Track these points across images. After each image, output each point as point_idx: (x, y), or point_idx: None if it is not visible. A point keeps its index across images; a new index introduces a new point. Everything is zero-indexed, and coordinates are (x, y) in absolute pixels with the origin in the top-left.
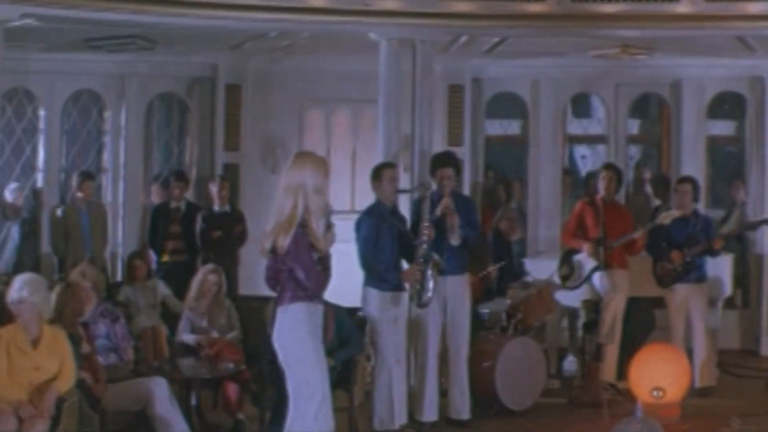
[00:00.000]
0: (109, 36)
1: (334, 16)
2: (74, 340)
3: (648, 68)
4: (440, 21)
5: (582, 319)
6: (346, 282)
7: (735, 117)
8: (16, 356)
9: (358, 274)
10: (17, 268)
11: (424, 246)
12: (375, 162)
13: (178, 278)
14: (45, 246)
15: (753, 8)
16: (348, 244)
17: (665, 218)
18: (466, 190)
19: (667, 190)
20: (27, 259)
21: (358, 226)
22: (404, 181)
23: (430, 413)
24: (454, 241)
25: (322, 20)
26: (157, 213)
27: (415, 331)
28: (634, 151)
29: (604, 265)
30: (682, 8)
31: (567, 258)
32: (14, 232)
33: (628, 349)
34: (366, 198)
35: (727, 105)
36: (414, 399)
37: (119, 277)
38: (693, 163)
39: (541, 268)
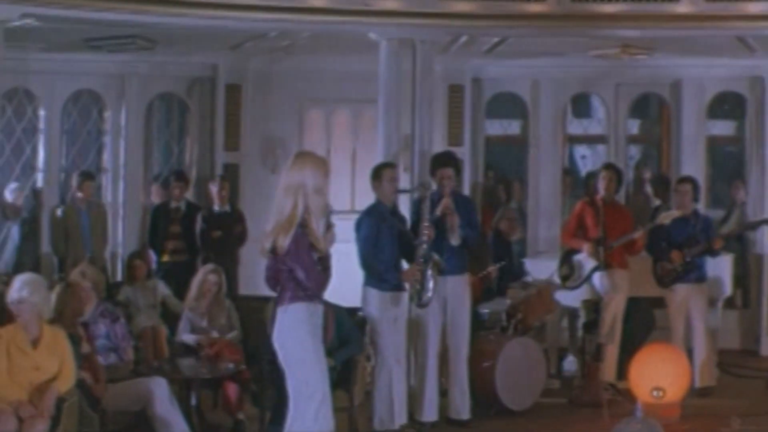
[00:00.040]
0: (109, 36)
1: (334, 16)
2: (74, 340)
3: (648, 68)
4: (440, 21)
5: (582, 319)
6: (346, 282)
7: (735, 117)
8: (16, 356)
9: (358, 274)
10: (17, 268)
11: (424, 246)
12: (375, 162)
13: (178, 278)
14: (45, 246)
15: (753, 8)
16: (348, 244)
17: (665, 218)
18: (466, 190)
19: (667, 190)
20: (27, 259)
21: (358, 226)
22: (404, 181)
23: (430, 413)
24: (454, 241)
25: (322, 20)
26: (157, 213)
27: (415, 331)
28: (634, 151)
29: (604, 265)
30: (682, 8)
31: (567, 258)
32: (14, 232)
33: (628, 349)
34: (366, 198)
35: (727, 105)
36: (414, 399)
37: (119, 277)
38: (693, 163)
39: (541, 268)
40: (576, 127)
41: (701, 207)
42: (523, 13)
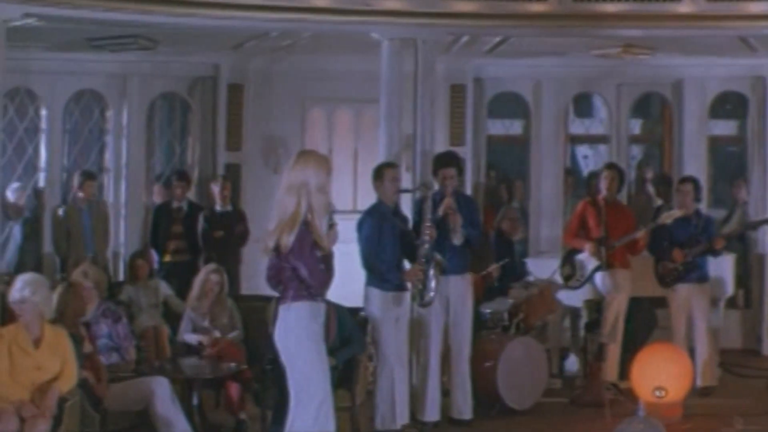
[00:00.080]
0: (110, 36)
1: (336, 16)
2: (76, 339)
3: (650, 68)
4: (442, 21)
5: (584, 319)
6: (348, 282)
7: (737, 117)
8: (18, 356)
9: (360, 274)
10: (19, 267)
11: (426, 246)
12: (377, 162)
13: (180, 278)
14: (47, 246)
15: (754, 8)
16: (350, 244)
17: (667, 218)
18: (468, 190)
19: (669, 189)
20: (29, 259)
21: (360, 226)
22: (406, 181)
23: (432, 413)
24: (457, 240)
25: (323, 20)
26: (159, 213)
27: (417, 330)
28: (636, 150)
29: (606, 265)
30: (683, 8)
31: (569, 258)
32: (16, 231)
33: (630, 348)
34: (368, 198)
35: (728, 105)
36: (416, 399)
37: (121, 276)
38: (695, 163)
39: (543, 267)
40: (578, 126)
41: (703, 207)
42: (525, 13)
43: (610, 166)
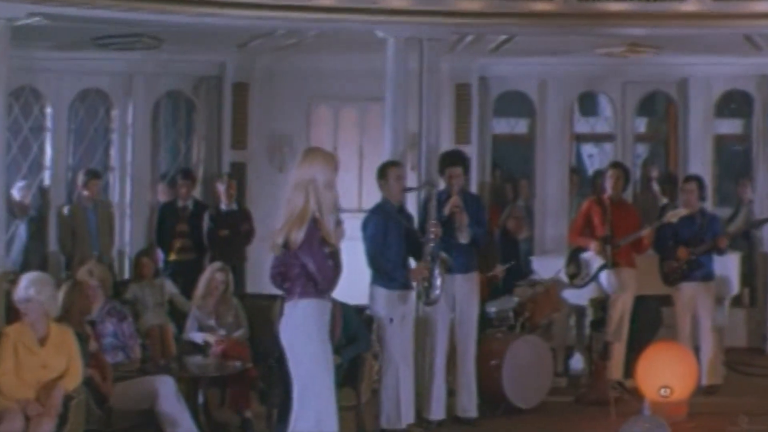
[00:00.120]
0: (115, 34)
1: (342, 15)
2: (81, 338)
3: (655, 66)
4: (447, 19)
5: (589, 318)
6: (354, 280)
7: (742, 115)
8: (24, 355)
9: (366, 273)
10: (24, 266)
11: (432, 244)
12: (382, 160)
13: (186, 276)
14: (52, 244)
15: (760, 7)
16: (355, 242)
17: (672, 216)
18: (474, 189)
19: (674, 188)
20: (34, 258)
21: (365, 224)
22: (411, 180)
23: (437, 411)
24: (463, 239)
25: (329, 18)
26: (165, 211)
27: (423, 329)
28: (641, 149)
29: (611, 264)
30: (688, 6)
31: (574, 256)
32: (21, 230)
33: (635, 347)
34: (373, 196)
35: (734, 103)
36: (421, 397)
37: (126, 275)
38: (700, 162)
39: (548, 266)
40: (583, 125)
41: (708, 205)
42: (530, 12)
43: (616, 164)
